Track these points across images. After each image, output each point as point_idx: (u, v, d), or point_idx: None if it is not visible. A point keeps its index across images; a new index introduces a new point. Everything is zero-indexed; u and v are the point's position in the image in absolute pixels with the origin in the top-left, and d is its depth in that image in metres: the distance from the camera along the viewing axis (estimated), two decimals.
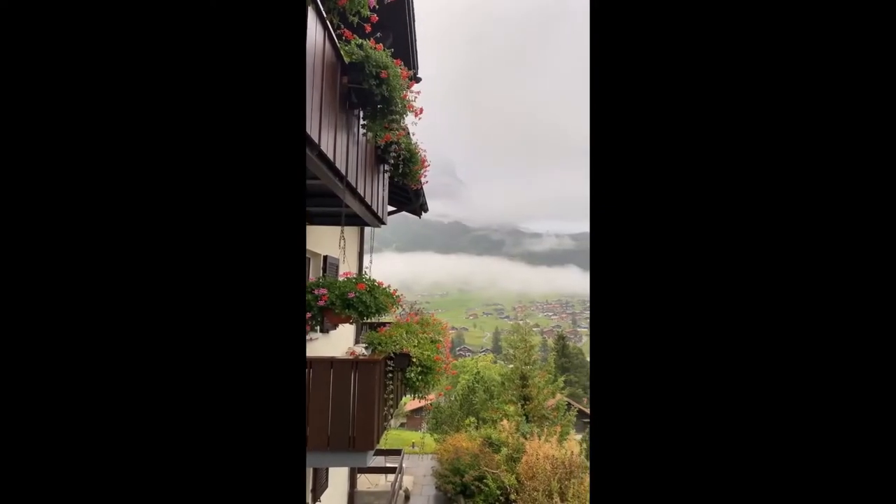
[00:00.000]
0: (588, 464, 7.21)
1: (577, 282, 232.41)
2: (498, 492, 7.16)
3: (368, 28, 2.86)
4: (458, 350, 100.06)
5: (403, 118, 3.53)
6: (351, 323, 3.67)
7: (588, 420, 25.44)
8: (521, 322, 15.74)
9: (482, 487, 7.32)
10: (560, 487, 6.16)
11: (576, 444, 7.51)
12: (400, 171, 4.43)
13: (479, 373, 13.15)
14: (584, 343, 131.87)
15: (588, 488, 5.97)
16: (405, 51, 4.55)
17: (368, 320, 4.76)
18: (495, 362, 15.46)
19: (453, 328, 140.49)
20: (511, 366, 12.19)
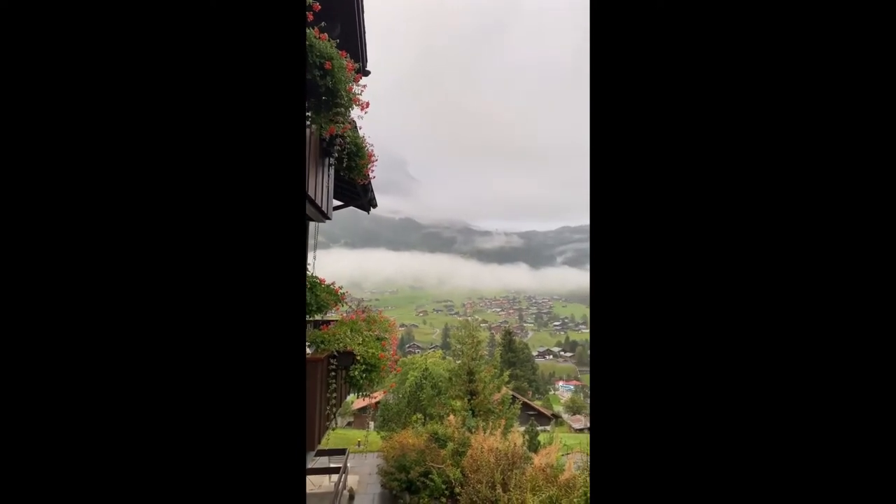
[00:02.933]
0: (529, 454, 7.48)
1: (524, 279, 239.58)
2: (443, 486, 7.25)
3: (311, 17, 2.77)
4: (408, 347, 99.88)
5: (349, 111, 3.45)
6: None
7: (532, 413, 26.40)
8: (469, 318, 15.97)
9: (428, 483, 7.37)
10: (503, 478, 6.34)
11: (519, 436, 7.76)
12: (345, 164, 4.34)
13: (427, 369, 13.21)
14: (529, 338, 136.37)
15: (530, 478, 6.20)
16: (353, 43, 4.45)
17: (310, 318, 4.63)
18: (444, 358, 15.57)
19: (403, 325, 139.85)
20: (459, 361, 12.35)
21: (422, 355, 16.21)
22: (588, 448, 13.94)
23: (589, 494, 5.11)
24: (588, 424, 30.93)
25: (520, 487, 5.98)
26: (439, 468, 7.42)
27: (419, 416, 11.53)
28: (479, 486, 6.19)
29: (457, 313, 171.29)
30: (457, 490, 6.94)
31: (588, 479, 5.35)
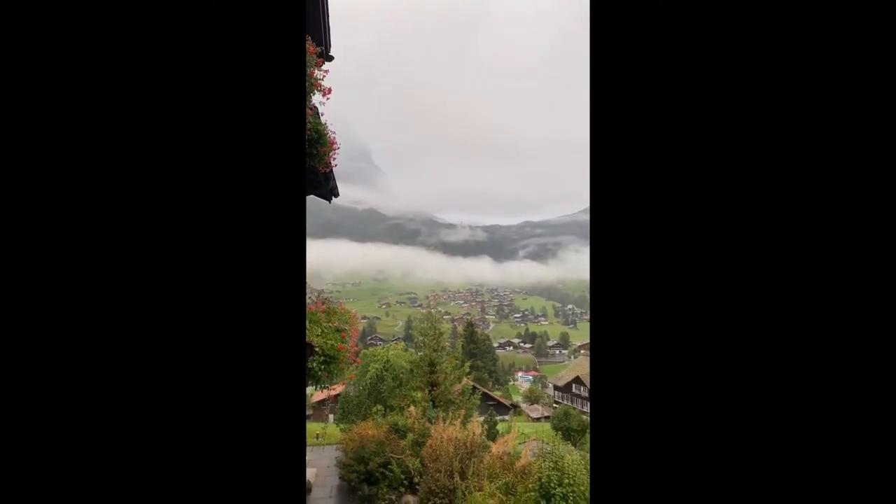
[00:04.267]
0: (488, 443, 7.66)
1: (488, 272, 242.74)
2: (402, 476, 7.29)
3: None
4: (370, 339, 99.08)
5: (310, 97, 3.36)
6: None
7: (491, 403, 26.98)
8: (432, 311, 16.03)
9: (387, 473, 7.39)
10: (461, 467, 6.46)
11: (478, 426, 7.91)
12: (306, 151, 4.21)
13: (388, 361, 13.17)
14: (491, 329, 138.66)
15: (487, 465, 6.36)
16: (316, 26, 4.32)
17: None
18: (406, 350, 15.58)
19: (365, 317, 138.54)
20: (421, 353, 12.39)
21: (384, 347, 16.14)
22: (544, 436, 14.41)
23: (542, 479, 5.31)
24: (545, 413, 31.98)
25: (477, 475, 6.12)
26: (399, 459, 7.45)
27: (380, 407, 11.50)
28: (437, 475, 6.28)
29: (420, 305, 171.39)
30: (416, 480, 7.00)
31: (542, 465, 5.55)
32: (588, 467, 5.58)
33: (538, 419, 30.08)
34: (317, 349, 3.83)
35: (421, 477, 6.86)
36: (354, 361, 4.77)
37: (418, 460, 7.30)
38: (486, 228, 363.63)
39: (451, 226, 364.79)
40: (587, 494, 5.19)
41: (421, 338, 12.51)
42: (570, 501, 5.10)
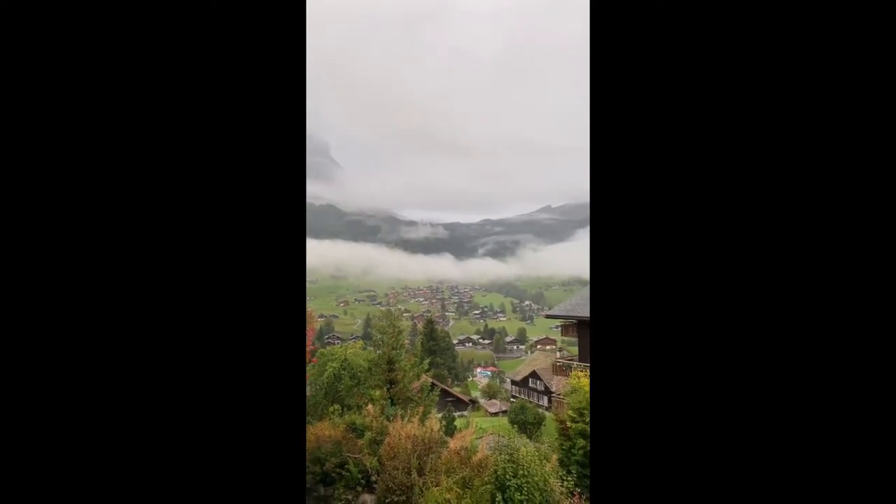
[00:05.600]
0: (446, 439, 7.73)
1: (450, 269, 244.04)
2: (359, 476, 7.23)
3: None
4: (327, 338, 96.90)
5: None
6: None
7: (450, 399, 27.20)
8: (392, 308, 15.92)
9: (343, 473, 7.29)
10: (419, 463, 6.49)
11: (436, 422, 7.97)
12: None
13: (346, 359, 12.96)
14: (450, 326, 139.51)
15: (445, 461, 6.43)
16: None
17: None
18: (365, 349, 15.39)
19: (322, 316, 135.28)
20: (379, 351, 12.29)
21: (341, 346, 15.85)
22: (501, 430, 14.72)
23: (498, 472, 5.45)
24: (503, 408, 32.66)
25: (435, 471, 6.17)
26: (356, 458, 7.37)
27: (337, 406, 11.31)
28: (395, 472, 6.27)
29: (379, 303, 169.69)
30: (373, 479, 6.96)
31: (498, 458, 5.69)
32: (541, 458, 5.78)
33: (496, 414, 30.68)
34: None
35: (378, 475, 6.82)
36: (310, 361, 4.67)
37: (376, 459, 7.26)
38: (446, 226, 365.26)
39: (411, 223, 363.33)
40: (540, 484, 5.38)
41: (380, 336, 12.41)
42: (524, 492, 5.26)
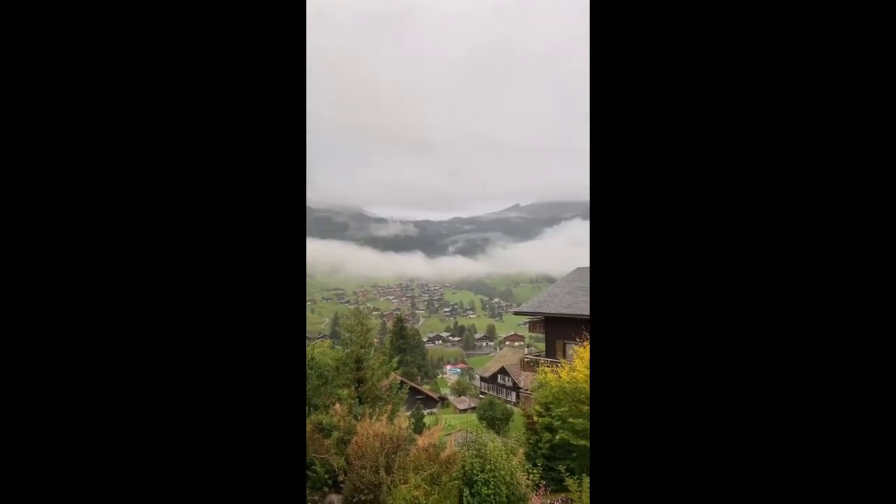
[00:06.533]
0: (414, 436, 7.73)
1: (421, 267, 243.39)
2: (326, 476, 7.12)
3: None
4: None
5: None
6: None
7: (420, 397, 27.21)
8: (360, 307, 15.75)
9: (309, 474, 7.16)
10: (387, 462, 6.46)
11: (405, 420, 7.96)
12: None
13: (313, 359, 12.72)
14: (420, 324, 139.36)
15: (413, 458, 6.43)
16: None
17: None
18: (333, 347, 15.15)
19: None
20: (347, 350, 12.13)
21: (309, 345, 15.54)
22: (470, 426, 14.84)
23: (466, 467, 5.50)
24: (472, 404, 32.97)
25: (403, 468, 6.16)
26: (322, 458, 7.26)
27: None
28: (363, 471, 6.22)
29: (348, 302, 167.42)
30: (341, 478, 6.87)
31: (465, 453, 5.75)
32: (508, 452, 5.88)
33: (465, 410, 30.94)
34: None
35: (346, 475, 6.74)
36: None
37: (343, 458, 7.17)
38: (417, 223, 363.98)
39: (381, 220, 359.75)
40: (507, 478, 5.48)
41: (348, 334, 12.25)
42: (491, 486, 5.34)
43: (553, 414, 9.58)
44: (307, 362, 12.61)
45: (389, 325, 58.37)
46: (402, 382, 13.34)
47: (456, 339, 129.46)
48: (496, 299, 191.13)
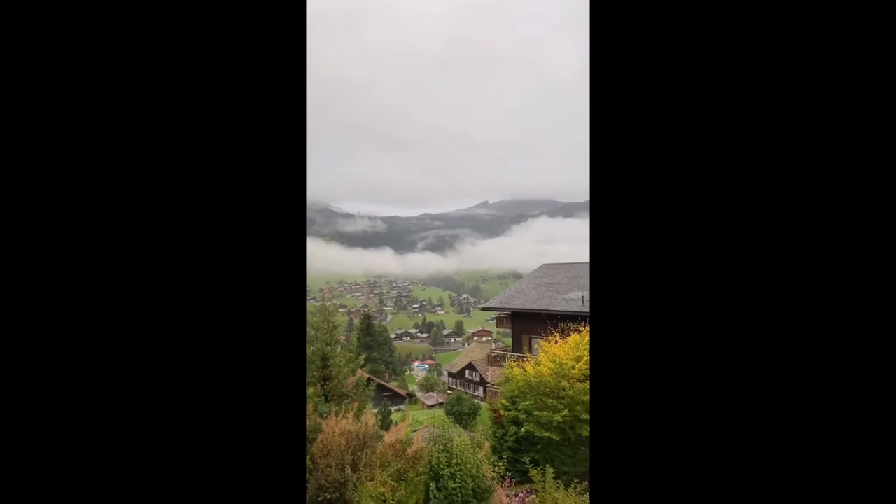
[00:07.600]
0: (381, 433, 7.70)
1: (390, 264, 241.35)
2: None
3: None
4: None
5: None
6: None
7: (387, 393, 27.09)
8: (326, 304, 15.46)
9: None
10: (353, 459, 6.40)
11: (372, 417, 7.90)
12: None
13: None
14: (389, 321, 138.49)
15: (380, 455, 6.40)
16: None
17: None
18: None
19: None
20: (313, 348, 11.90)
21: None
22: (437, 422, 14.91)
23: (432, 462, 5.53)
24: (439, 400, 33.14)
25: (369, 465, 6.13)
26: None
27: None
28: (328, 469, 6.13)
29: (314, 298, 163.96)
30: (306, 477, 6.75)
31: (432, 448, 5.78)
32: (474, 446, 5.96)
33: (433, 406, 31.05)
34: None
35: (311, 474, 6.63)
36: None
37: (308, 457, 7.04)
38: (385, 219, 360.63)
39: (348, 215, 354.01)
40: (473, 471, 5.55)
41: (313, 332, 12.01)
42: (457, 480, 5.40)
43: (519, 407, 9.78)
44: None
45: (357, 321, 57.66)
46: (369, 380, 13.23)
47: (424, 335, 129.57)
48: (464, 295, 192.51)
